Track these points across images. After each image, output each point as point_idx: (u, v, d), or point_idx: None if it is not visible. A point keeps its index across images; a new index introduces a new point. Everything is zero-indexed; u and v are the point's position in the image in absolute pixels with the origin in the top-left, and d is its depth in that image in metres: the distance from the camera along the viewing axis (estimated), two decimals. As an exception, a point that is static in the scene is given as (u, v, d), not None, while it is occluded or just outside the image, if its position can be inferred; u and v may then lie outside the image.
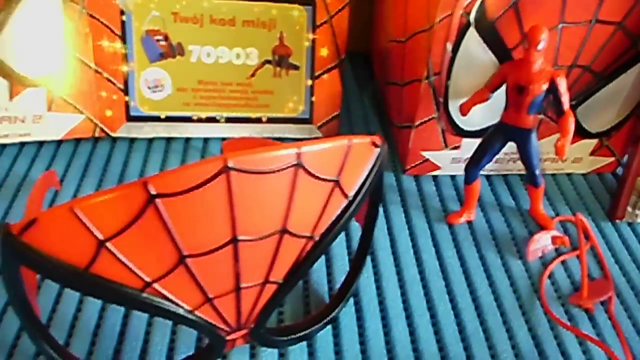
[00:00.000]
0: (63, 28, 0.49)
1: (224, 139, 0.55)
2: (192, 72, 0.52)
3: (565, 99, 0.43)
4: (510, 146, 0.47)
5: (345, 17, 0.52)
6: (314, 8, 0.51)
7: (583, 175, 0.56)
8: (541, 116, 0.50)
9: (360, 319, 0.40)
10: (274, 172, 0.28)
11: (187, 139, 0.55)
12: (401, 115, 0.53)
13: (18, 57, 0.49)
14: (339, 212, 0.33)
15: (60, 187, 0.49)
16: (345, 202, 0.33)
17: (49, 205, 0.47)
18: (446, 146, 0.51)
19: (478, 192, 0.48)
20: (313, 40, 0.52)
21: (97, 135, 0.53)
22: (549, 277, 0.45)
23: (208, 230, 0.28)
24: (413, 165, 0.52)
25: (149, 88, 0.52)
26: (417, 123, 0.50)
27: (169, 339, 0.38)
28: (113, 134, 0.53)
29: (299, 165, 0.28)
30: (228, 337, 0.33)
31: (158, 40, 0.51)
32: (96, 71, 0.51)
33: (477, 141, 0.47)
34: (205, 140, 0.55)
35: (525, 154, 0.46)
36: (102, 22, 0.50)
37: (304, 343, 0.38)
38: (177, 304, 0.30)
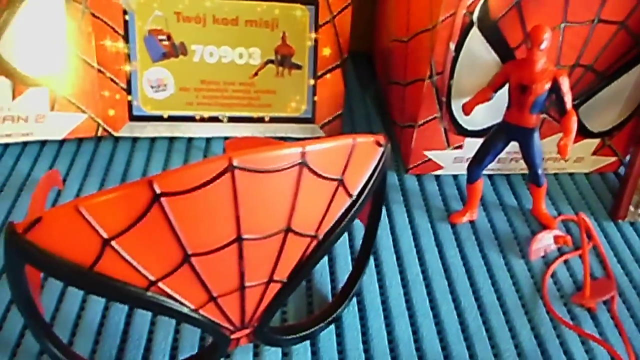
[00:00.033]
0: (66, 27, 0.49)
1: (226, 138, 0.55)
2: (194, 71, 0.52)
3: (568, 99, 0.43)
4: (513, 146, 0.47)
5: (348, 17, 0.52)
6: (316, 8, 0.51)
7: (585, 174, 0.56)
8: (543, 115, 0.50)
9: (363, 318, 0.40)
10: (278, 171, 0.28)
11: (190, 139, 0.55)
12: (404, 115, 0.53)
13: (21, 56, 0.49)
14: (342, 211, 0.33)
15: (63, 186, 0.49)
16: (349, 201, 0.33)
17: (52, 205, 0.47)
18: (449, 146, 0.51)
19: (480, 191, 0.48)
20: (315, 40, 0.52)
21: (99, 134, 0.53)
22: (552, 276, 0.45)
23: (213, 229, 0.28)
24: (415, 164, 0.52)
25: (151, 87, 0.52)
26: (419, 122, 0.50)
27: (172, 337, 0.38)
28: (116, 134, 0.53)
29: (303, 164, 0.28)
30: (232, 336, 0.33)
31: (161, 40, 0.51)
32: (99, 71, 0.51)
33: (479, 141, 0.47)
34: (208, 139, 0.55)
35: (527, 154, 0.46)
36: (104, 22, 0.50)
37: (307, 342, 0.38)
38: (181, 303, 0.30)
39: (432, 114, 0.49)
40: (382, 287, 0.43)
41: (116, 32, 0.50)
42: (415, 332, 0.40)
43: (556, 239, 0.47)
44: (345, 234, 0.46)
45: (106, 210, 0.26)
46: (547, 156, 0.53)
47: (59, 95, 0.51)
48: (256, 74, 0.53)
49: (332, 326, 0.40)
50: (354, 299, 0.41)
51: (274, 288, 0.33)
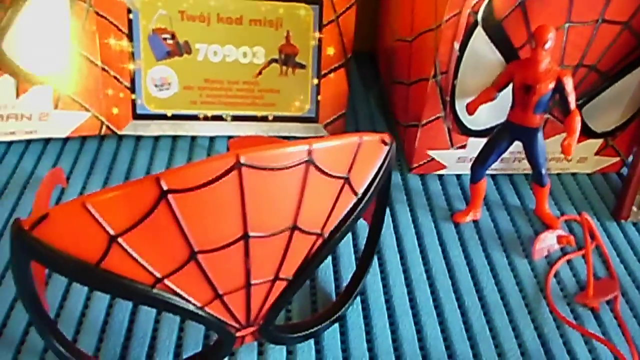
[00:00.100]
0: (70, 26, 0.49)
1: (230, 137, 0.55)
2: (198, 70, 0.52)
3: (572, 98, 0.43)
4: (516, 146, 0.47)
5: (352, 16, 0.52)
6: (320, 7, 0.51)
7: (588, 175, 0.56)
8: (547, 115, 0.50)
9: (367, 317, 0.40)
10: (285, 168, 0.28)
11: (193, 137, 0.55)
12: (407, 115, 0.53)
13: (25, 54, 0.49)
14: (348, 209, 0.33)
15: (67, 184, 0.49)
16: (354, 200, 0.33)
17: (55, 203, 0.47)
18: (452, 145, 0.51)
19: (484, 191, 0.49)
20: (319, 39, 0.52)
21: (103, 133, 0.53)
22: (555, 276, 0.45)
23: (219, 226, 0.28)
24: (419, 164, 0.52)
25: (155, 86, 0.52)
26: (423, 122, 0.50)
27: (176, 335, 0.38)
28: (119, 132, 0.54)
29: (310, 162, 0.28)
30: (237, 334, 0.33)
31: (165, 39, 0.51)
32: (103, 69, 0.51)
33: (483, 140, 0.48)
34: (212, 138, 0.55)
35: (531, 153, 0.46)
36: (109, 20, 0.50)
37: (312, 341, 0.38)
38: (187, 300, 0.30)
39: (435, 113, 0.49)
40: (385, 286, 0.43)
41: (120, 30, 0.50)
42: (419, 331, 0.40)
43: (559, 238, 0.47)
44: (349, 233, 0.46)
45: (113, 207, 0.26)
46: (550, 156, 0.53)
47: (62, 93, 0.51)
48: (260, 73, 0.53)
49: (336, 325, 0.40)
50: (358, 298, 0.42)
51: (280, 286, 0.33)
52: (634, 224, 0.51)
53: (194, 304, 0.30)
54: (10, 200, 0.47)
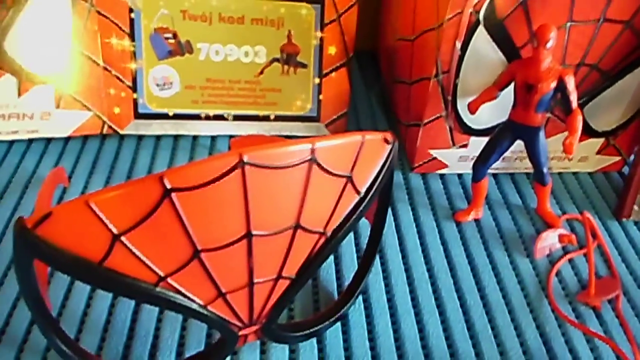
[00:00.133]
0: (71, 25, 0.49)
1: (231, 136, 0.55)
2: (200, 70, 0.52)
3: (574, 97, 0.43)
4: (517, 145, 0.47)
5: (354, 16, 0.52)
6: (322, 6, 0.51)
7: (589, 174, 0.56)
8: (548, 115, 0.50)
9: (369, 316, 0.41)
10: (288, 167, 0.28)
11: (195, 137, 0.55)
12: (409, 114, 0.53)
13: (27, 54, 0.49)
14: (350, 208, 0.33)
15: (69, 184, 0.49)
16: (357, 199, 0.33)
17: (57, 202, 0.47)
18: (454, 144, 0.51)
19: (485, 190, 0.49)
20: (321, 39, 0.52)
21: (105, 132, 0.53)
22: (557, 275, 0.45)
23: (223, 224, 0.28)
24: (420, 163, 0.52)
25: (157, 85, 0.52)
26: (425, 121, 0.50)
27: (179, 334, 0.38)
28: (121, 131, 0.54)
29: (312, 161, 0.28)
30: (240, 333, 0.34)
31: (167, 38, 0.51)
32: (104, 68, 0.51)
33: (484, 140, 0.48)
34: (213, 138, 0.55)
35: (533, 152, 0.46)
36: (110, 20, 0.50)
37: (314, 340, 0.38)
38: (190, 299, 0.30)
39: (437, 112, 0.49)
40: (387, 285, 0.43)
41: (122, 30, 0.50)
42: (421, 330, 0.40)
43: (561, 237, 0.47)
44: (351, 232, 0.46)
45: (116, 205, 0.26)
46: (552, 155, 0.53)
47: (64, 92, 0.51)
48: (262, 72, 0.53)
49: (339, 324, 0.40)
50: (360, 297, 0.42)
51: (283, 284, 0.33)
52: (636, 223, 0.51)
53: (197, 303, 0.30)
54: (12, 199, 0.47)
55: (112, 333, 0.38)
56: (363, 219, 0.36)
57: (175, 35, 0.51)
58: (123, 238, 0.27)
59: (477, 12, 0.44)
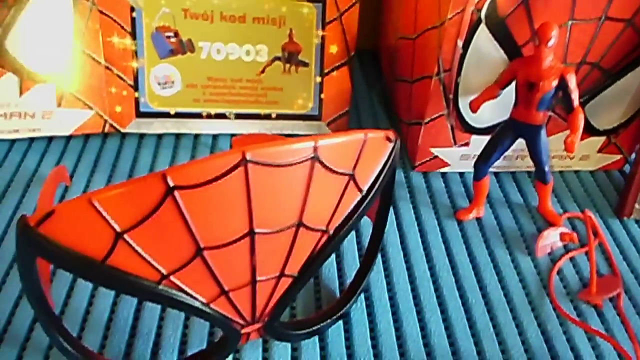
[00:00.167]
0: (73, 24, 0.49)
1: (233, 135, 0.55)
2: (201, 68, 0.52)
3: (575, 96, 0.43)
4: (519, 143, 0.47)
5: (355, 15, 0.52)
6: (323, 5, 0.51)
7: (590, 172, 0.56)
8: (550, 113, 0.50)
9: (371, 314, 0.41)
10: (291, 165, 0.28)
11: (197, 135, 0.55)
12: (410, 112, 0.53)
13: (28, 53, 0.49)
14: (353, 206, 0.33)
15: (70, 182, 0.49)
16: (359, 197, 0.33)
17: (59, 201, 0.47)
18: (455, 143, 0.51)
19: (487, 188, 0.49)
20: (322, 37, 0.52)
21: (106, 131, 0.53)
22: (558, 273, 0.45)
23: (225, 222, 0.28)
24: (422, 162, 0.52)
25: (158, 84, 0.52)
26: (426, 120, 0.50)
27: (181, 332, 0.38)
28: (122, 130, 0.54)
29: (315, 159, 0.28)
30: (243, 331, 0.34)
31: (168, 37, 0.51)
32: (106, 67, 0.51)
33: (486, 138, 0.48)
34: (215, 136, 0.55)
35: (534, 151, 0.46)
36: (112, 19, 0.50)
37: (316, 338, 0.38)
38: (193, 297, 0.30)
39: (439, 111, 0.49)
40: (389, 283, 0.43)
41: (123, 29, 0.50)
42: (423, 328, 0.40)
43: (562, 236, 0.47)
44: (353, 231, 0.46)
45: (119, 203, 0.26)
46: (553, 153, 0.53)
47: (66, 91, 0.51)
48: (263, 71, 0.53)
49: (341, 322, 0.40)
50: (362, 296, 0.42)
51: (285, 283, 0.33)
52: (637, 222, 0.51)
53: (199, 301, 0.30)
54: (14, 198, 0.47)
55: (115, 331, 0.38)
56: (365, 218, 0.36)
57: (176, 34, 0.51)
58: (126, 236, 0.27)
59: (479, 10, 0.44)
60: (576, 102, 0.43)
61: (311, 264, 0.33)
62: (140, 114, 0.53)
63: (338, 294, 0.42)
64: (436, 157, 0.52)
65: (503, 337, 0.40)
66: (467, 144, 0.51)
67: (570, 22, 0.46)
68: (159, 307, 0.39)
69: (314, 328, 0.37)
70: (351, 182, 0.31)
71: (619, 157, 0.55)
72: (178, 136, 0.55)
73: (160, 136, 0.55)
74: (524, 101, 0.44)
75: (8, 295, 0.39)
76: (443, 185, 0.52)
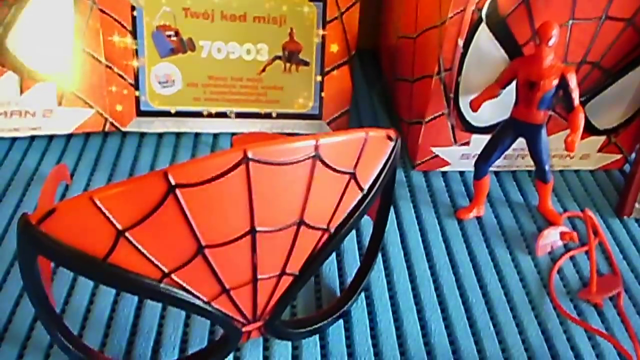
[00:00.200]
0: (74, 23, 0.49)
1: (233, 134, 0.55)
2: (202, 67, 0.52)
3: (576, 95, 0.43)
4: (519, 142, 0.47)
5: (356, 14, 0.52)
6: (324, 4, 0.51)
7: (591, 171, 0.56)
8: (550, 112, 0.50)
9: (371, 313, 0.41)
10: (292, 163, 0.28)
11: (197, 134, 0.55)
12: (411, 112, 0.53)
13: (29, 51, 0.49)
14: (354, 204, 0.33)
15: (71, 181, 0.49)
16: (360, 195, 0.33)
17: (60, 199, 0.47)
18: (456, 142, 0.51)
19: (487, 187, 0.49)
20: (323, 37, 0.52)
21: (107, 129, 0.53)
22: (558, 272, 0.45)
23: (227, 220, 0.28)
24: (422, 161, 0.52)
25: (159, 83, 0.52)
26: (427, 119, 0.50)
27: (182, 330, 0.38)
28: (123, 129, 0.54)
29: (316, 157, 0.28)
30: (244, 329, 0.34)
31: (169, 36, 0.51)
32: (107, 66, 0.51)
33: (486, 137, 0.48)
34: (215, 135, 0.55)
35: (535, 150, 0.46)
36: (113, 18, 0.50)
37: (317, 336, 0.39)
38: (194, 295, 0.30)
39: (439, 110, 0.49)
40: (390, 282, 0.43)
41: (124, 27, 0.50)
42: (423, 327, 0.40)
43: (562, 235, 0.47)
44: (354, 230, 0.46)
45: (121, 201, 0.27)
46: (553, 153, 0.53)
47: (66, 90, 0.51)
48: (264, 70, 0.53)
49: (341, 321, 0.40)
50: (363, 294, 0.42)
51: (286, 281, 0.33)
52: (637, 221, 0.51)
53: (201, 299, 0.31)
54: (14, 196, 0.47)
55: (115, 329, 0.38)
56: (365, 217, 0.36)
57: (177, 33, 0.51)
58: (127, 234, 0.27)
59: (480, 9, 0.45)
60: (576, 102, 0.43)
61: (312, 263, 0.33)
62: (140, 113, 0.53)
63: (339, 293, 0.42)
64: (437, 156, 0.52)
65: (503, 336, 0.40)
66: (467, 143, 0.51)
67: (570, 22, 0.46)
68: (159, 305, 0.39)
69: (315, 327, 0.37)
70: (352, 180, 0.31)
71: (619, 156, 0.55)
72: (179, 135, 0.55)
73: (160, 135, 0.55)
74: (525, 100, 0.44)
75: (9, 294, 0.39)
76: (443, 184, 0.52)
